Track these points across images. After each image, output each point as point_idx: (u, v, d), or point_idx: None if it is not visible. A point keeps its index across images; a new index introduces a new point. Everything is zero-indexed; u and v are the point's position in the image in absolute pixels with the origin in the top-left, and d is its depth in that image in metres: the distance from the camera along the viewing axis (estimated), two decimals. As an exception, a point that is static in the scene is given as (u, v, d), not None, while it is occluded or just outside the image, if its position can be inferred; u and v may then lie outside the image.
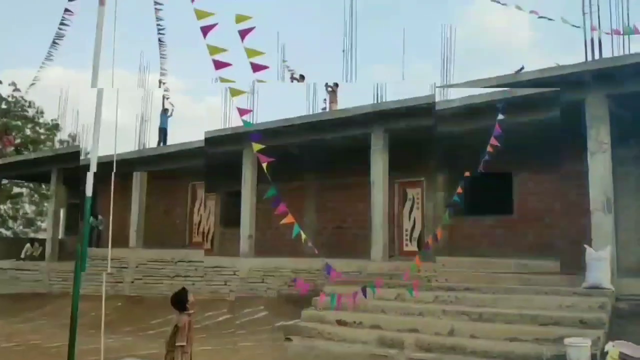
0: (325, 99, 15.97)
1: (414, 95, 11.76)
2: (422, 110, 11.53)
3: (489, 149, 9.65)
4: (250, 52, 5.66)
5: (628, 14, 10.60)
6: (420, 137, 12.91)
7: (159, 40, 10.28)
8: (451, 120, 11.24)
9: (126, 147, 18.54)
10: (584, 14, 10.56)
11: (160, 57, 10.82)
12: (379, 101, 14.60)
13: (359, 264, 12.24)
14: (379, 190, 12.58)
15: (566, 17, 11.62)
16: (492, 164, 10.28)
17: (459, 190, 9.47)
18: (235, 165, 14.96)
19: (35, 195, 35.81)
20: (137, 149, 18.49)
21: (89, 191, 5.88)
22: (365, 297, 7.99)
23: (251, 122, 7.24)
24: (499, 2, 9.80)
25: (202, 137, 14.38)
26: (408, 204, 14.67)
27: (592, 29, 10.24)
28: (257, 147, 6.85)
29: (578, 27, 10.47)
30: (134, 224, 17.07)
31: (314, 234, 15.95)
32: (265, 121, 14.12)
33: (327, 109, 15.56)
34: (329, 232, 15.65)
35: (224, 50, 5.72)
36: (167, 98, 16.82)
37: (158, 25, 9.90)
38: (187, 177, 18.84)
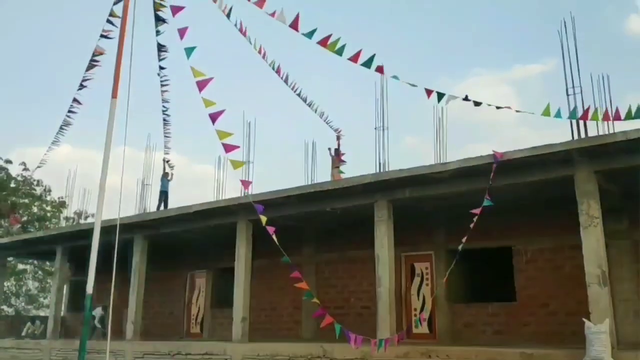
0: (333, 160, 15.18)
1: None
2: (426, 178, 11.01)
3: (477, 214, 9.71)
4: (222, 134, 6.36)
5: (610, 95, 11.25)
6: (426, 206, 12.60)
7: (164, 120, 10.76)
8: (448, 183, 11.08)
9: (127, 211, 18.06)
10: (567, 95, 11.13)
11: (165, 136, 11.23)
12: (382, 170, 13.79)
13: (363, 350, 10.95)
14: (385, 265, 11.50)
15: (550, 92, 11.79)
16: (491, 236, 11.07)
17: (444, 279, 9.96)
18: (227, 239, 14.04)
19: (39, 272, 35.78)
20: (137, 212, 17.93)
21: (89, 288, 6.17)
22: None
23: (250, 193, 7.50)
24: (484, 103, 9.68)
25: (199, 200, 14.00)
26: (416, 280, 13.45)
27: (584, 118, 10.34)
28: (264, 219, 7.54)
29: (560, 117, 10.35)
30: (131, 315, 15.88)
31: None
32: (260, 192, 13.33)
33: (331, 176, 14.76)
34: (330, 312, 14.30)
35: (230, 134, 6.50)
36: (168, 161, 16.52)
37: (163, 107, 10.09)
38: (186, 267, 18.23)
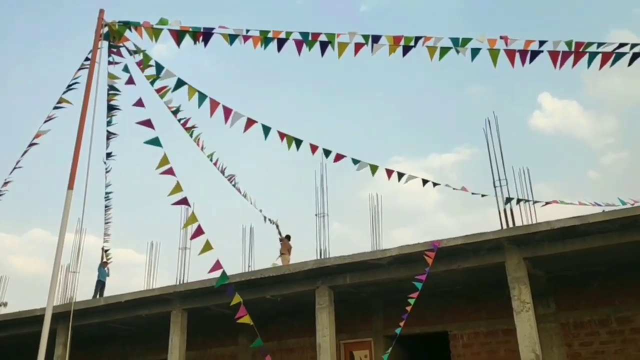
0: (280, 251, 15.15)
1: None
2: (366, 264, 11.27)
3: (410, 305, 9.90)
4: (190, 220, 6.41)
5: (531, 185, 12.06)
6: (364, 292, 12.62)
7: (105, 206, 10.48)
8: (387, 269, 11.38)
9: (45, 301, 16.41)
10: (495, 187, 11.80)
11: (105, 223, 10.86)
12: (322, 257, 13.92)
13: None
14: (327, 355, 11.31)
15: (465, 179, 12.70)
16: (428, 321, 11.33)
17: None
18: (159, 330, 13.40)
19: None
20: (62, 302, 16.51)
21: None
22: None
23: (226, 277, 7.17)
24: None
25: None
26: (356, 369, 13.32)
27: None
28: (237, 299, 7.19)
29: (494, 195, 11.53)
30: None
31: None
32: (195, 280, 13.03)
33: (279, 261, 14.67)
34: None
35: (196, 220, 6.52)
36: (107, 250, 15.70)
37: (106, 194, 10.05)
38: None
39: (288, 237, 15.19)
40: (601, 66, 5.65)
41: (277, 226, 15.10)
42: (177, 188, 6.21)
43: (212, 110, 7.75)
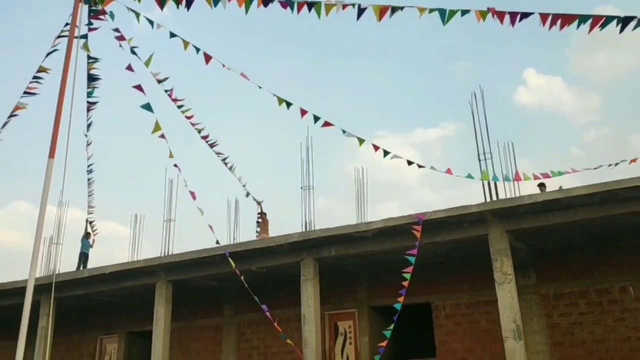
0: (258, 220, 15.17)
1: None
2: (351, 237, 11.33)
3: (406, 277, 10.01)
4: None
5: (515, 160, 12.14)
6: (349, 265, 12.90)
7: (88, 179, 10.44)
8: (371, 241, 11.45)
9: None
10: (479, 160, 11.92)
11: (88, 196, 10.79)
12: (308, 229, 13.97)
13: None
14: (311, 325, 11.46)
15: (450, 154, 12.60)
16: (412, 293, 10.95)
17: (384, 343, 10.11)
18: (141, 301, 13.44)
19: None
20: (44, 274, 16.39)
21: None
22: None
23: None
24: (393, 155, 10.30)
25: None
26: (340, 339, 13.50)
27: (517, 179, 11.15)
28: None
29: (497, 179, 11.43)
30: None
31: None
32: (182, 251, 13.02)
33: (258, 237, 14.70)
34: (252, 375, 14.02)
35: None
36: (91, 222, 15.57)
37: (88, 167, 10.07)
38: (96, 331, 17.02)
39: (264, 214, 15.20)
40: (591, 29, 5.57)
41: (261, 207, 15.10)
42: (157, 126, 6.08)
43: (207, 60, 7.67)
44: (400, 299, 9.53)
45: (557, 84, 42.90)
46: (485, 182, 11.79)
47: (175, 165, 5.91)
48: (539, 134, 40.47)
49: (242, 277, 7.69)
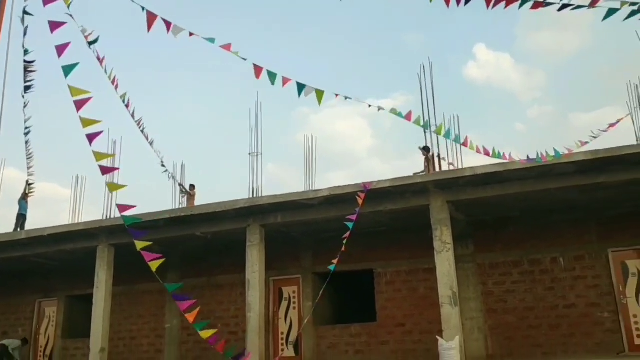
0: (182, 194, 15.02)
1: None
2: (298, 204, 11.41)
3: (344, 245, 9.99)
4: (99, 156, 5.94)
5: (459, 133, 12.25)
6: (294, 232, 13.06)
7: (26, 141, 9.92)
8: (317, 209, 11.56)
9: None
10: (425, 132, 12.19)
11: (27, 158, 10.29)
12: (255, 196, 13.95)
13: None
14: (256, 290, 11.55)
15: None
16: (355, 260, 11.85)
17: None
18: (81, 265, 13.19)
19: None
20: None
21: None
22: None
23: (136, 217, 6.62)
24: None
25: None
26: (284, 304, 13.70)
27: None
28: (140, 244, 6.34)
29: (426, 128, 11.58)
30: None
31: (177, 345, 14.32)
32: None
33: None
34: (195, 340, 14.04)
35: (110, 155, 6.76)
36: (31, 184, 14.96)
37: (26, 127, 9.42)
38: (34, 294, 16.59)
39: (192, 187, 15.09)
40: (534, 7, 5.64)
41: (183, 188, 14.94)
42: (88, 121, 5.83)
43: (150, 24, 7.12)
44: (335, 261, 9.64)
45: (505, 61, 43.84)
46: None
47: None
48: (486, 108, 41.46)
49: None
